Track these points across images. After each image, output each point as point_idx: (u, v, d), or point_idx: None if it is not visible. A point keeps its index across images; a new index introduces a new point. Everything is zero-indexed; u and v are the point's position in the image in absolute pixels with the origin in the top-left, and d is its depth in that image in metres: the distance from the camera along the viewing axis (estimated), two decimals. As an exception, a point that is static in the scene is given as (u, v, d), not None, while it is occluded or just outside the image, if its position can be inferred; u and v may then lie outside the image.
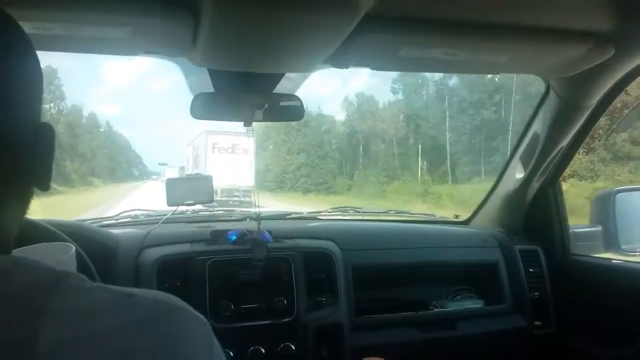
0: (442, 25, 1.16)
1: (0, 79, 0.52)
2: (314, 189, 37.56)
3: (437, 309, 1.85)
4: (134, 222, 1.84)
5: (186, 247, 1.59)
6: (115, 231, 1.66)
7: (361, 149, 40.42)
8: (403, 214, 2.28)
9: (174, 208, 1.78)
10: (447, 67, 1.45)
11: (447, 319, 1.82)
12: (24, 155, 0.55)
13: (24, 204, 0.58)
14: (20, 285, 0.47)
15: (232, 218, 1.97)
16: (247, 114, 1.46)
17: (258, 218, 1.70)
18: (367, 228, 2.05)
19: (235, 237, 1.63)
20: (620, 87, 1.54)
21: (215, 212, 2.02)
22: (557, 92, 1.63)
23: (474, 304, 1.90)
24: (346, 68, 1.35)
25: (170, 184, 1.75)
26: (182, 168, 24.80)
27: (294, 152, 40.45)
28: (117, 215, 1.93)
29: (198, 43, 1.12)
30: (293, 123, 35.63)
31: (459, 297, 1.92)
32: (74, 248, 0.99)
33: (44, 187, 0.59)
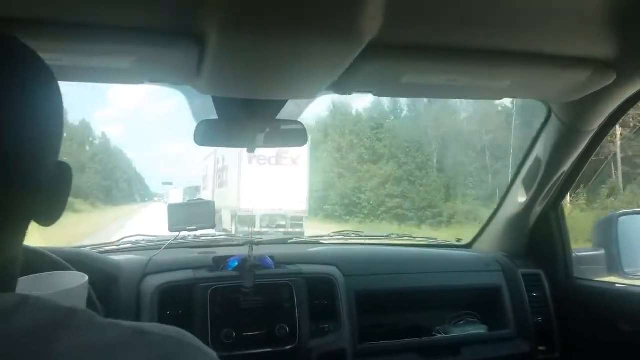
0: (444, 52, 1.16)
1: (27, 113, 0.51)
2: (414, 216, 24.05)
3: (440, 335, 1.84)
4: (136, 248, 1.83)
5: (188, 274, 1.58)
6: (116, 258, 1.65)
7: (487, 155, 25.27)
8: (405, 238, 2.28)
9: (176, 234, 1.78)
10: (449, 93, 1.46)
11: (451, 344, 1.80)
12: (41, 194, 0.54)
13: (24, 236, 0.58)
14: (23, 328, 0.45)
15: (234, 243, 1.96)
16: (250, 140, 1.46)
17: (251, 243, 1.69)
18: (369, 253, 2.04)
19: (236, 264, 1.62)
20: (621, 112, 1.55)
21: (217, 237, 2.01)
22: (558, 117, 1.63)
23: (477, 329, 1.88)
24: (349, 94, 1.36)
25: (172, 209, 1.75)
26: (196, 188, 22.47)
27: (371, 161, 27.18)
28: (118, 240, 1.92)
29: (202, 71, 1.13)
30: (364, 117, 29.03)
31: (462, 322, 1.91)
32: (86, 277, 0.99)
33: (49, 224, 0.58)
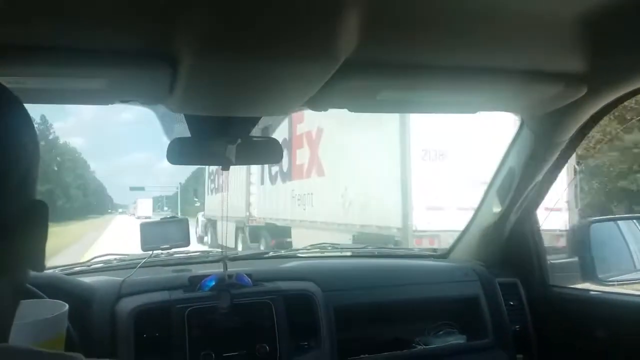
0: (419, 69, 1.17)
1: None
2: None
3: (420, 346, 1.83)
4: (108, 268, 1.79)
5: (164, 296, 1.54)
6: (88, 279, 1.61)
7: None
8: (382, 249, 2.27)
9: (149, 252, 1.74)
10: (424, 108, 1.47)
11: (432, 356, 1.80)
12: (14, 237, 0.50)
13: (17, 288, 0.54)
14: None
15: (209, 259, 1.93)
16: (223, 157, 1.44)
17: (225, 260, 1.65)
18: (347, 266, 2.03)
19: (213, 283, 1.59)
20: (591, 123, 1.58)
21: (192, 254, 1.98)
22: (531, 129, 1.65)
23: (457, 339, 1.88)
24: (324, 111, 1.36)
25: (145, 228, 1.71)
26: (167, 198, 22.33)
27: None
28: (88, 261, 1.86)
29: (175, 91, 1.11)
30: None
31: (441, 332, 1.91)
32: (67, 306, 0.96)
33: (39, 268, 0.55)
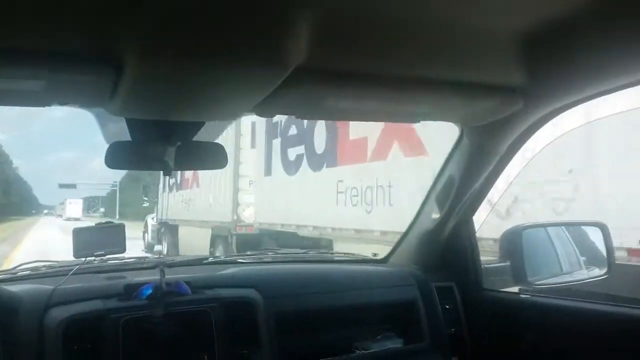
0: (367, 78, 1.18)
1: None
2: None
3: (359, 351, 1.85)
4: (36, 276, 1.69)
5: (97, 305, 1.47)
6: (14, 288, 1.51)
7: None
8: (322, 254, 2.28)
9: (82, 259, 1.66)
10: (370, 116, 1.49)
11: None
12: None
13: None
14: None
15: (145, 266, 1.86)
16: (165, 162, 1.40)
17: (162, 267, 1.59)
18: (288, 272, 2.02)
19: (150, 291, 1.53)
20: (527, 134, 1.64)
21: (127, 260, 1.90)
22: (470, 139, 1.70)
23: (394, 343, 1.91)
24: (271, 117, 1.35)
25: (78, 234, 1.63)
26: (98, 198, 19.49)
27: None
28: (14, 268, 1.75)
29: (117, 94, 1.06)
30: None
31: (379, 337, 1.93)
32: None
33: None
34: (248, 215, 9.11)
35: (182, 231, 12.29)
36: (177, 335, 1.49)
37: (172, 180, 12.96)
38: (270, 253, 2.21)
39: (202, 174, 10.93)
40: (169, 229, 13.14)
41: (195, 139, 1.41)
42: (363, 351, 1.84)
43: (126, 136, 1.36)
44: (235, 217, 9.17)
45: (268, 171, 8.65)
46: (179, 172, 11.30)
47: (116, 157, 1.37)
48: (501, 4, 0.98)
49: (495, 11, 1.00)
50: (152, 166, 1.46)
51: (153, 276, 1.60)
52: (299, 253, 2.29)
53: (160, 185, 14.12)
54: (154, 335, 1.47)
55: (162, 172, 1.44)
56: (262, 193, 8.88)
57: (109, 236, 1.66)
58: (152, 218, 14.97)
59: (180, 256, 2.02)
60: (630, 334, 1.54)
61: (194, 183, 11.69)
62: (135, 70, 0.93)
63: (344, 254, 2.34)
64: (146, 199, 15.45)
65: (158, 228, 14.04)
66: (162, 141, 1.36)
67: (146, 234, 15.47)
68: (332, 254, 2.35)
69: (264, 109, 1.24)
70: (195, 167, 1.52)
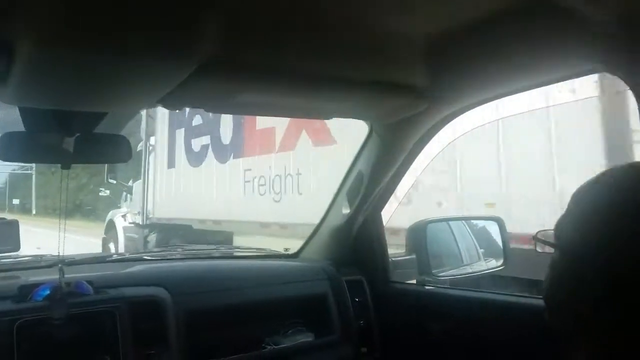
0: (277, 74, 1.18)
1: None
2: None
3: (270, 347, 1.84)
4: None
5: None
6: None
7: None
8: (234, 250, 2.25)
9: None
10: (280, 112, 1.49)
11: (280, 355, 1.82)
12: None
13: None
14: None
15: (42, 264, 1.74)
16: (64, 155, 1.31)
17: (61, 265, 1.49)
18: (198, 268, 1.97)
19: (47, 292, 1.43)
20: (432, 133, 1.72)
21: (22, 259, 1.77)
22: (379, 136, 1.75)
23: (305, 337, 1.92)
24: (178, 110, 1.31)
25: None
26: None
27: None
28: None
29: (9, 81, 0.98)
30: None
31: (290, 331, 1.94)
32: None
33: None
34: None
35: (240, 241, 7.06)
36: (79, 338, 1.41)
37: (202, 144, 7.98)
38: (179, 249, 2.14)
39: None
40: (162, 231, 9.01)
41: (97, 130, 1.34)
42: (274, 346, 1.84)
43: (20, 126, 1.27)
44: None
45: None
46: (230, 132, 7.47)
47: (9, 148, 1.26)
48: (407, 10, 1.03)
49: (401, 15, 1.04)
50: (49, 158, 1.37)
51: (51, 275, 1.50)
52: (209, 249, 2.24)
53: (149, 161, 9.30)
54: (53, 339, 1.38)
55: (60, 165, 1.34)
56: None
57: (0, 234, 1.54)
58: (124, 216, 10.03)
59: (80, 254, 1.89)
60: (523, 321, 1.65)
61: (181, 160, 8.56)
62: (30, 57, 0.87)
63: (255, 249, 2.32)
64: (113, 182, 9.73)
65: (144, 234, 9.25)
66: (59, 132, 1.28)
67: (113, 244, 9.92)
68: (243, 249, 2.32)
69: (171, 101, 1.21)
70: (96, 160, 1.44)
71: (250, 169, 6.93)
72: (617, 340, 0.69)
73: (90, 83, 1.05)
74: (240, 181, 7.05)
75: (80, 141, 1.33)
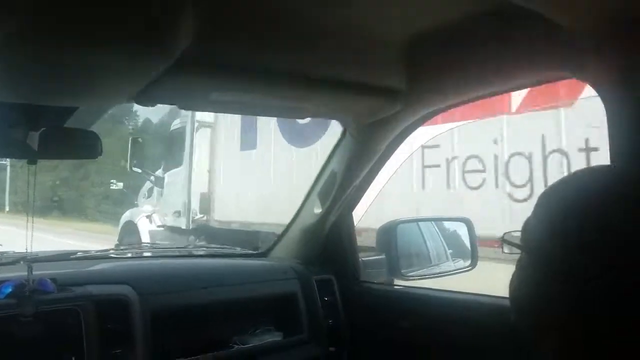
0: (254, 72, 1.17)
1: None
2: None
3: (237, 346, 1.83)
4: None
5: None
6: None
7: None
8: (202, 248, 2.22)
9: None
10: (257, 111, 1.49)
11: (248, 355, 1.81)
12: None
13: None
14: None
15: (4, 261, 1.68)
16: (31, 151, 1.27)
17: (29, 262, 1.46)
18: (166, 267, 1.94)
19: (10, 290, 1.39)
20: (405, 134, 1.74)
21: None
22: (353, 136, 1.76)
23: (273, 337, 1.92)
24: (152, 106, 1.28)
25: None
26: None
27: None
28: None
29: None
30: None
31: (259, 331, 1.92)
32: None
33: None
34: None
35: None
36: (41, 338, 1.37)
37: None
38: (147, 247, 2.10)
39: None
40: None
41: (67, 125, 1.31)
42: (241, 346, 1.83)
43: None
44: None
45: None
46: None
47: None
48: (384, 12, 1.03)
49: (379, 17, 1.05)
50: (15, 153, 1.33)
51: (14, 273, 1.45)
52: (179, 248, 2.21)
53: (196, 144, 7.14)
54: (13, 338, 1.34)
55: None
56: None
57: None
58: (149, 217, 7.84)
59: (44, 251, 1.84)
60: (489, 320, 1.67)
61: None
62: None
63: (225, 247, 2.30)
64: (137, 171, 7.50)
65: (189, 241, 7.00)
66: (27, 126, 1.24)
67: None
68: (212, 248, 2.29)
69: (144, 97, 1.19)
70: (64, 155, 1.41)
71: (437, 146, 4.64)
72: (584, 339, 0.71)
73: (60, 77, 1.02)
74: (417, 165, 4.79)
75: (47, 136, 1.29)
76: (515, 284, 0.80)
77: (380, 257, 2.16)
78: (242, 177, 6.74)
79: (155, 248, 2.18)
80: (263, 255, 2.24)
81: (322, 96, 1.37)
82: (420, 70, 1.32)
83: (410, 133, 1.72)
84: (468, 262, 2.27)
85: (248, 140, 6.82)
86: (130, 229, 7.93)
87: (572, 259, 0.70)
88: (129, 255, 2.01)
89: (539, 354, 0.77)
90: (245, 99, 1.31)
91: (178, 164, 7.36)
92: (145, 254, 2.07)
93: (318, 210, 2.03)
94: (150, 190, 8.06)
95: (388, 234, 2.14)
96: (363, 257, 2.17)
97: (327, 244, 2.11)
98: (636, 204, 0.70)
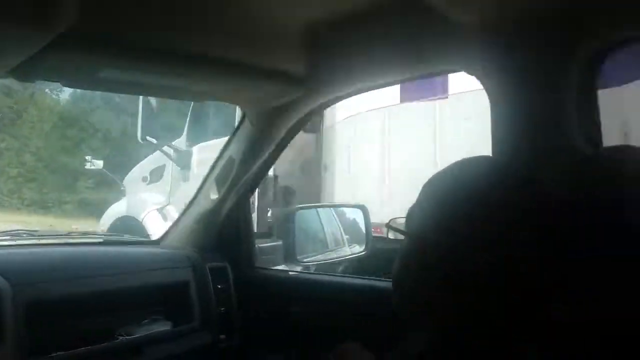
0: (147, 51, 1.12)
1: None
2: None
3: (122, 337, 1.74)
4: None
5: None
6: None
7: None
8: (89, 236, 2.09)
9: None
10: (149, 91, 1.43)
11: (133, 346, 1.73)
12: None
13: None
14: None
15: None
16: None
17: None
18: (45, 256, 1.79)
19: None
20: (305, 121, 1.73)
21: None
22: (251, 121, 1.73)
23: (162, 326, 1.84)
24: (32, 82, 1.19)
25: None
26: None
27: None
28: None
29: None
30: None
31: (146, 321, 1.85)
32: None
33: None
34: None
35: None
36: None
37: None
38: (24, 234, 1.94)
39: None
40: None
41: None
42: (127, 337, 1.74)
43: None
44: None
45: None
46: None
47: None
48: None
49: (278, 2, 1.03)
50: None
51: None
52: (61, 235, 2.06)
53: None
54: None
55: None
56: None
57: None
58: (161, 211, 5.58)
59: None
60: (376, 303, 1.72)
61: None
62: None
63: (113, 234, 2.18)
64: (152, 141, 5.31)
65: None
66: None
67: None
68: (99, 234, 2.17)
69: (23, 73, 1.10)
70: None
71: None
72: (455, 323, 0.73)
73: None
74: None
75: None
76: (397, 268, 0.81)
77: (277, 243, 2.16)
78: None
79: (37, 235, 2.01)
80: (156, 243, 2.16)
81: (218, 78, 1.33)
82: (320, 57, 1.32)
83: (309, 120, 1.73)
84: (363, 247, 2.32)
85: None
86: (130, 228, 5.33)
87: (446, 243, 0.72)
88: (5, 243, 1.84)
89: (416, 335, 0.79)
90: (139, 78, 1.26)
91: (219, 133, 4.59)
92: (23, 242, 1.91)
93: (214, 196, 1.98)
94: (158, 171, 5.77)
95: (286, 220, 2.14)
96: (260, 243, 2.15)
97: (223, 231, 2.06)
98: (510, 192, 0.73)
